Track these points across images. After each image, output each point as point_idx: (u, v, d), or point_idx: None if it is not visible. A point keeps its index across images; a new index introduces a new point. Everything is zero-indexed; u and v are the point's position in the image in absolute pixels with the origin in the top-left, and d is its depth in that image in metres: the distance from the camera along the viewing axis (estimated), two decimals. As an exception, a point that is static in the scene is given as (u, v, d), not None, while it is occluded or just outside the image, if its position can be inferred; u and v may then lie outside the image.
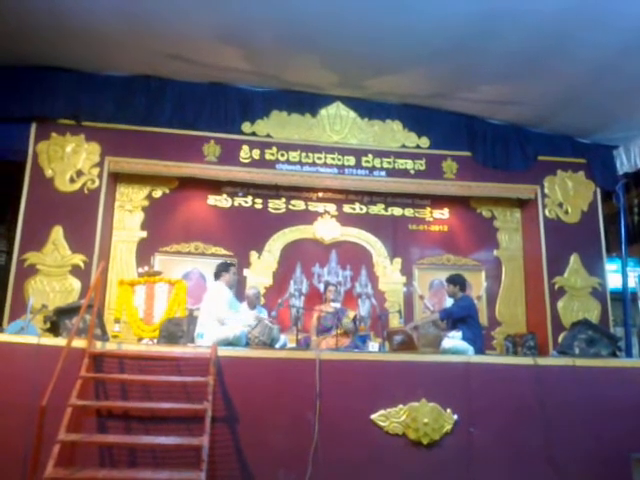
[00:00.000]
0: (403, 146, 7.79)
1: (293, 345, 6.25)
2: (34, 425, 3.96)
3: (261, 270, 7.63)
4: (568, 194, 7.95)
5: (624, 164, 7.94)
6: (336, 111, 7.73)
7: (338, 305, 6.80)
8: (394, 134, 7.81)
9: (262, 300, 7.14)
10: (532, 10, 5.35)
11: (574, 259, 7.72)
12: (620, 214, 8.11)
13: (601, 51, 5.94)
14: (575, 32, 5.65)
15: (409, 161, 7.75)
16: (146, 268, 6.76)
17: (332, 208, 8.00)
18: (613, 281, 8.23)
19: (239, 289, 7.08)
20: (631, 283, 8.11)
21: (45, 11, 5.72)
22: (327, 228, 7.88)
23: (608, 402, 5.12)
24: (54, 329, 5.41)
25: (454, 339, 5.71)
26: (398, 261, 7.96)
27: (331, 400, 4.74)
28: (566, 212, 7.89)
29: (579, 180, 8.02)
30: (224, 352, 4.79)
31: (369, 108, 7.77)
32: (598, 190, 8.03)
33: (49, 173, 6.91)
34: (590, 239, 7.84)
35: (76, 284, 6.70)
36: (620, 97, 6.79)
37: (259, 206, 7.85)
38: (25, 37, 6.24)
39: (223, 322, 5.34)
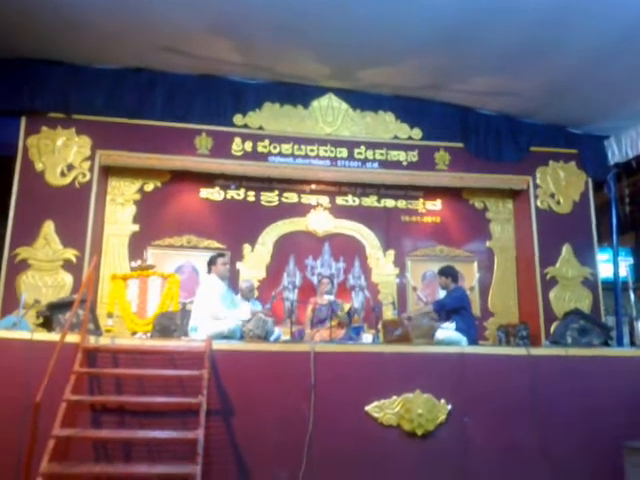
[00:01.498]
0: (395, 137, 7.77)
1: (287, 338, 6.25)
2: (28, 420, 3.95)
3: (254, 263, 7.62)
4: (560, 184, 7.96)
5: (615, 154, 7.95)
6: (328, 103, 7.70)
7: (332, 297, 6.80)
8: (386, 125, 7.79)
9: (256, 293, 7.14)
10: (525, 1, 5.34)
11: (566, 249, 7.75)
12: (611, 204, 8.15)
13: (593, 43, 5.94)
14: (567, 23, 5.64)
15: (402, 152, 7.74)
16: (139, 262, 6.74)
17: (325, 200, 7.99)
18: (604, 271, 8.28)
19: (233, 282, 7.08)
20: (622, 273, 8.14)
21: (36, 2, 5.65)
22: (320, 220, 7.87)
23: (600, 391, 5.17)
24: (47, 324, 5.39)
25: (447, 330, 5.74)
26: (391, 253, 7.97)
27: (326, 392, 4.76)
28: (558, 202, 7.91)
29: (571, 170, 8.04)
30: (218, 345, 4.79)
31: (361, 99, 7.74)
32: (589, 180, 8.05)
33: (39, 167, 6.84)
34: (582, 229, 7.87)
35: (68, 279, 6.66)
36: (611, 88, 6.80)
37: (252, 199, 7.82)
38: (15, 29, 6.16)
39: (218, 318, 5.33)
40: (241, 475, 4.54)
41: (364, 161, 7.67)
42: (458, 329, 5.77)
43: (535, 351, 5.35)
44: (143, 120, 7.14)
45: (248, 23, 6.01)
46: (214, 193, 7.75)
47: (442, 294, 6.64)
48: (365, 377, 4.93)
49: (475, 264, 8.14)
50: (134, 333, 6.19)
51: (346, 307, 6.88)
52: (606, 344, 6.18)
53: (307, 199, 7.98)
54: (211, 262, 5.70)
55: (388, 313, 7.33)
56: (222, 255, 5.91)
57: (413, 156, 7.76)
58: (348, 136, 7.70)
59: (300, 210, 7.92)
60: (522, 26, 5.75)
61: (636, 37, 5.75)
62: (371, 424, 4.81)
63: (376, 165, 7.68)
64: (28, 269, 6.61)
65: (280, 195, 7.90)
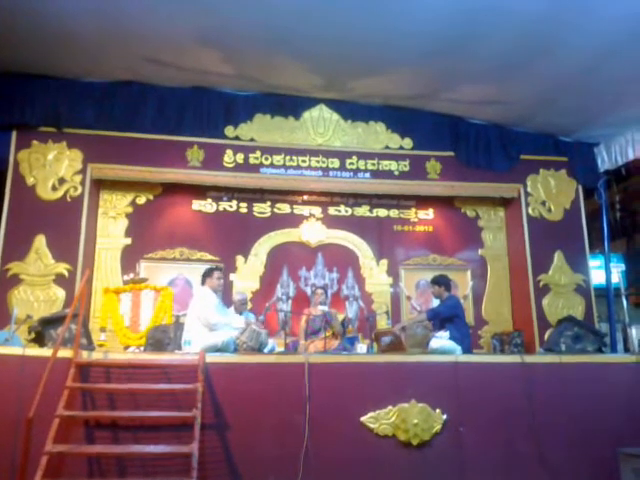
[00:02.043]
0: (387, 147, 7.80)
1: (281, 349, 6.23)
2: (21, 437, 3.92)
3: (248, 274, 7.60)
4: (551, 192, 8.00)
5: (605, 162, 8.00)
6: (319, 113, 7.72)
7: (326, 308, 6.79)
8: (378, 136, 7.82)
9: (249, 305, 7.13)
10: (515, 12, 5.39)
11: (558, 256, 7.77)
12: (602, 211, 8.20)
13: (582, 53, 6.00)
14: (557, 34, 5.70)
15: (393, 162, 7.77)
16: (131, 275, 6.70)
17: (317, 211, 8.00)
18: (597, 277, 8.32)
19: (226, 294, 7.06)
20: (614, 279, 8.19)
21: (25, 16, 5.64)
22: (313, 231, 7.87)
23: (595, 398, 5.18)
24: (39, 339, 5.34)
25: (442, 339, 5.72)
26: (384, 262, 7.97)
27: (320, 403, 4.75)
28: (549, 210, 7.95)
29: (561, 178, 8.08)
30: (212, 358, 4.78)
31: (352, 110, 7.77)
32: (580, 188, 8.09)
33: (31, 181, 6.82)
34: (573, 236, 7.90)
35: (60, 293, 6.61)
36: (600, 96, 6.86)
37: (244, 210, 7.82)
38: (4, 43, 6.16)
39: (213, 327, 5.32)
40: (237, 489, 4.51)
41: (356, 171, 7.69)
42: (452, 338, 5.76)
43: (529, 359, 5.37)
44: (134, 133, 7.13)
45: (238, 35, 6.02)
46: (206, 205, 7.74)
47: (436, 303, 6.64)
48: (360, 387, 4.92)
49: (468, 272, 8.15)
50: (127, 347, 6.14)
51: (340, 317, 6.87)
52: (600, 351, 6.18)
53: (299, 210, 7.98)
54: (207, 274, 5.73)
55: (382, 323, 7.33)
56: (219, 269, 5.94)
57: (404, 166, 7.78)
58: (339, 146, 7.72)
59: (293, 221, 7.92)
60: (511, 37, 5.80)
61: (622, 48, 5.83)
62: (367, 435, 4.79)
63: (368, 175, 7.70)
64: (20, 284, 6.56)
65: (272, 206, 7.90)
